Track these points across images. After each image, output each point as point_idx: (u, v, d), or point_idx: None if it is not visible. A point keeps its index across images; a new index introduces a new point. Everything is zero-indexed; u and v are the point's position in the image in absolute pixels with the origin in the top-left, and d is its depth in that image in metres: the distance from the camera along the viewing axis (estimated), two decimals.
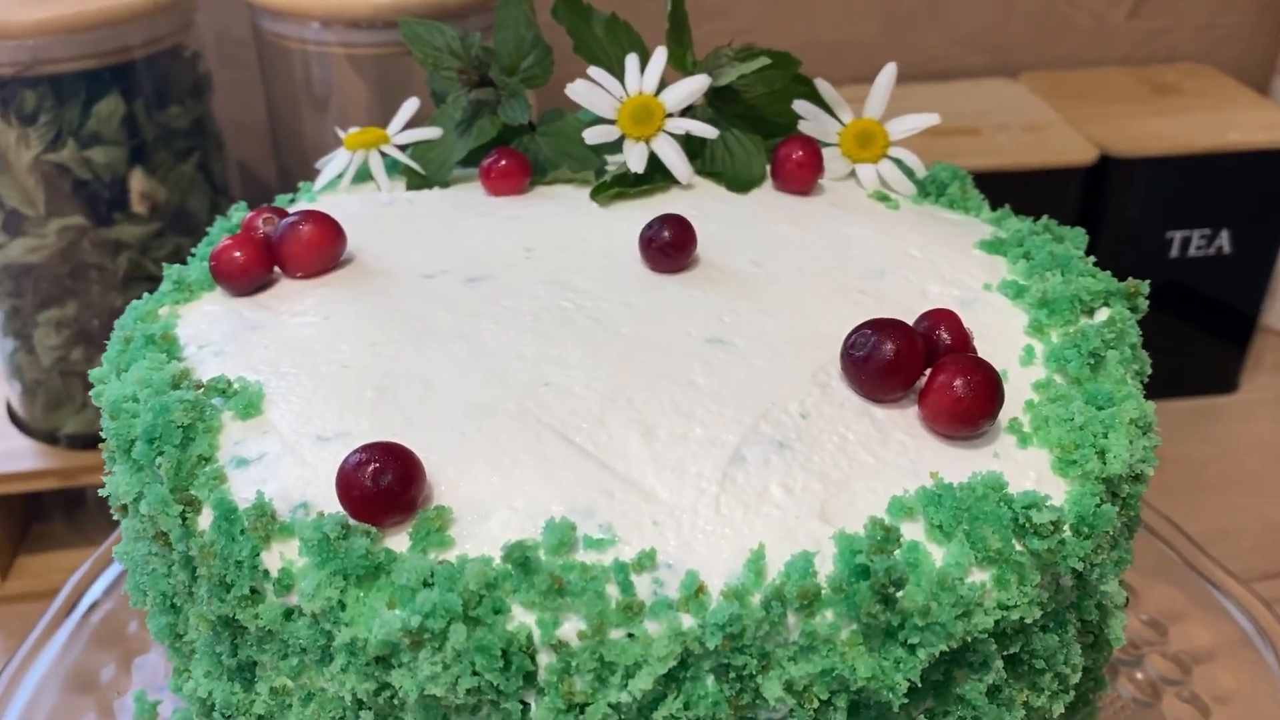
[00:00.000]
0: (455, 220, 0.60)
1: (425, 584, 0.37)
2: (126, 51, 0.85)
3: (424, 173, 0.64)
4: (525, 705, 0.38)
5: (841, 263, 0.55)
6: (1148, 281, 0.54)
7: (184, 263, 0.58)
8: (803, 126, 0.63)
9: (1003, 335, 0.51)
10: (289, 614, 0.40)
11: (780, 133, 0.63)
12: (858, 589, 0.37)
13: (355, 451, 0.40)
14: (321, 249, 0.54)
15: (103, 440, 0.46)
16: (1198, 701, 0.61)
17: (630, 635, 0.37)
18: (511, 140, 0.65)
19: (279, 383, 0.47)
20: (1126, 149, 1.04)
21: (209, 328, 0.52)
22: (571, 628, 0.37)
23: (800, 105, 0.63)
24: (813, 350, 0.48)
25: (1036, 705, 0.44)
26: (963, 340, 0.47)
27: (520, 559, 0.37)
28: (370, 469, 0.39)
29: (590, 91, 0.61)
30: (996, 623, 0.39)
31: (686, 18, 0.63)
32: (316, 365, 0.48)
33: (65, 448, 0.94)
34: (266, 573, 0.40)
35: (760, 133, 0.63)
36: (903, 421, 0.45)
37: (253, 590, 0.40)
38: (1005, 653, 0.42)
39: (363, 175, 0.66)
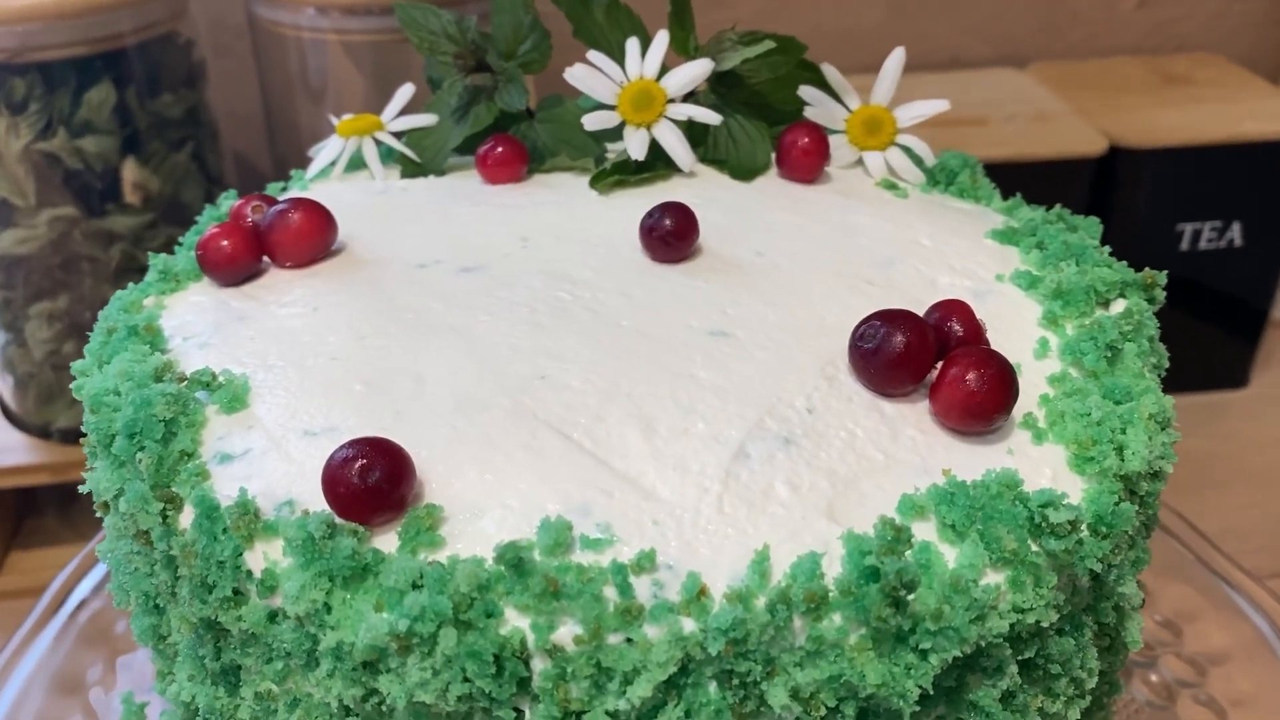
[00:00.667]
0: (450, 209, 0.58)
1: (414, 586, 0.36)
2: (118, 38, 0.83)
3: (419, 160, 0.63)
4: (519, 713, 0.36)
5: (848, 252, 0.53)
6: (1165, 272, 0.52)
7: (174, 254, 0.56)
8: (808, 113, 0.62)
9: (1016, 327, 0.49)
10: (273, 616, 0.38)
11: (785, 120, 0.61)
12: (867, 592, 0.36)
13: (342, 447, 0.38)
14: (311, 238, 0.53)
15: (84, 435, 0.45)
16: (1214, 704, 0.59)
17: (629, 640, 0.35)
18: (509, 127, 0.63)
19: (266, 376, 0.45)
20: (1136, 140, 1.02)
21: (195, 319, 0.50)
22: (567, 632, 0.35)
23: (806, 91, 0.62)
24: (819, 342, 0.47)
25: (1051, 711, 0.42)
26: (975, 332, 0.45)
27: (514, 560, 0.35)
28: (358, 465, 0.37)
29: (590, 76, 0.59)
30: (1011, 626, 0.38)
31: (688, 1, 0.61)
32: (304, 358, 0.46)
33: (58, 442, 0.93)
34: (249, 573, 0.38)
35: (765, 120, 0.61)
36: (913, 416, 0.43)
37: (235, 592, 0.39)
38: (1020, 657, 0.40)
39: (356, 163, 0.64)
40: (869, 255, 0.53)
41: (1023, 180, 1.00)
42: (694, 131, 0.61)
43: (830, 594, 0.36)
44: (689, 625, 0.35)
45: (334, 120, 0.64)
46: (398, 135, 0.63)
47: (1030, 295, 0.51)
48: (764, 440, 0.41)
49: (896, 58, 0.62)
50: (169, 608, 0.43)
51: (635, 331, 0.47)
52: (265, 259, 0.54)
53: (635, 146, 0.58)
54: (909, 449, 0.42)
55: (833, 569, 0.37)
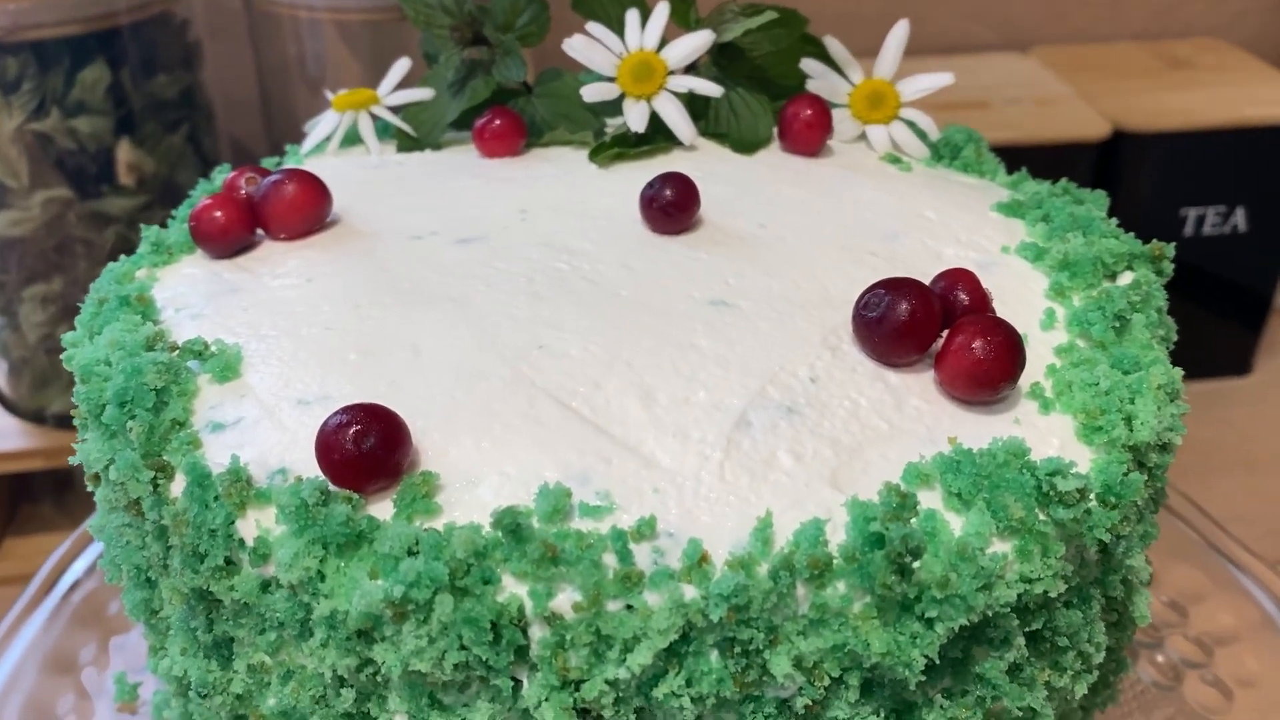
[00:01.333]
0: (447, 182, 0.57)
1: (409, 552, 0.35)
2: (112, 17, 0.82)
3: (415, 135, 0.62)
4: (517, 682, 0.36)
5: (852, 225, 0.52)
6: (1173, 244, 0.51)
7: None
8: (811, 86, 0.61)
9: (1022, 298, 0.48)
10: (265, 585, 0.37)
11: (787, 93, 0.60)
12: (872, 559, 0.35)
13: (336, 413, 0.38)
14: (305, 209, 0.52)
15: (75, 406, 0.44)
16: (1221, 685, 0.59)
17: (628, 607, 0.35)
18: (506, 102, 0.62)
19: (259, 345, 0.45)
20: (1140, 124, 1.01)
21: (187, 290, 0.49)
22: (566, 599, 0.35)
23: (808, 64, 0.61)
24: (822, 313, 0.46)
25: (1058, 686, 0.42)
26: (981, 301, 0.44)
27: (511, 526, 0.34)
28: (352, 431, 0.37)
29: (589, 47, 0.59)
30: (1019, 596, 0.37)
31: None
32: (298, 328, 0.45)
33: (52, 427, 0.92)
34: (242, 542, 0.37)
35: (766, 93, 0.60)
36: (918, 386, 0.43)
37: (227, 561, 0.38)
38: (1027, 629, 0.39)
39: (352, 139, 0.64)
40: (873, 228, 0.52)
41: (1025, 164, 0.99)
42: (695, 105, 0.60)
43: (834, 561, 0.35)
44: (690, 592, 0.34)
45: (327, 94, 0.63)
46: (394, 110, 0.63)
47: (1037, 267, 0.50)
48: (766, 409, 0.41)
49: (900, 30, 0.61)
50: (160, 580, 0.43)
51: (635, 302, 0.46)
52: (259, 231, 0.53)
53: (635, 119, 0.58)
54: (914, 418, 0.41)
55: (836, 536, 0.36)
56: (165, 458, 0.40)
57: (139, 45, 0.85)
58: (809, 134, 0.58)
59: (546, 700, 0.35)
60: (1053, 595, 0.38)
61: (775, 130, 0.60)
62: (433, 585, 0.34)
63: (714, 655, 0.35)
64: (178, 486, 0.39)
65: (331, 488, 0.37)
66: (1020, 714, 0.40)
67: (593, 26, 0.60)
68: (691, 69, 0.60)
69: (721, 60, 0.61)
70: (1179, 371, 0.44)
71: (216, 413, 0.42)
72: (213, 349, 0.44)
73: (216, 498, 0.37)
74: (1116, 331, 0.46)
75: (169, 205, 0.89)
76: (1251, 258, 1.09)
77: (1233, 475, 1.02)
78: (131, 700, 0.56)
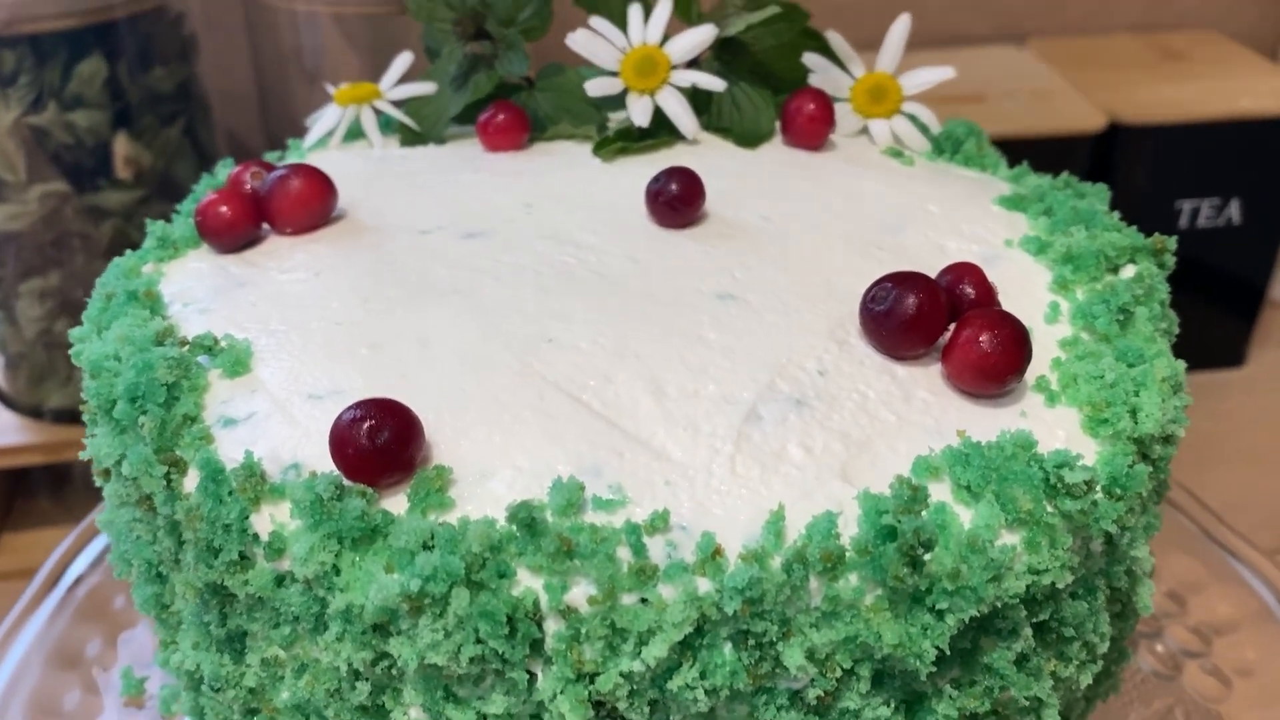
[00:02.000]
0: (451, 176, 0.57)
1: (425, 546, 0.35)
2: (109, 10, 0.82)
3: (418, 129, 0.62)
4: (532, 675, 0.36)
5: (856, 218, 0.53)
6: (1174, 237, 0.52)
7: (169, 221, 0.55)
8: (813, 80, 0.61)
9: (1026, 292, 0.48)
10: (280, 580, 0.37)
11: (789, 87, 0.61)
12: (884, 551, 0.35)
13: (350, 408, 0.38)
14: (311, 204, 0.52)
15: (84, 402, 0.44)
16: (1219, 674, 0.59)
17: (643, 600, 0.35)
18: (509, 97, 0.62)
19: (268, 340, 0.45)
20: (1135, 117, 1.01)
21: (194, 285, 0.49)
22: (581, 592, 0.35)
23: (810, 58, 0.61)
24: (829, 306, 0.46)
25: (1064, 676, 0.42)
26: (987, 294, 0.45)
27: (526, 520, 0.35)
28: (366, 426, 0.37)
29: (591, 42, 0.59)
30: (1027, 588, 0.37)
31: None
32: (307, 322, 0.45)
33: (50, 422, 0.91)
34: (256, 536, 0.37)
35: (769, 87, 0.60)
36: (925, 379, 0.43)
37: (241, 555, 0.38)
38: (1034, 620, 0.39)
39: (354, 133, 0.64)
40: (877, 221, 0.52)
41: (1022, 157, 0.99)
42: (697, 99, 0.60)
43: (847, 553, 0.35)
44: (704, 585, 0.35)
45: (328, 88, 0.63)
46: (396, 104, 0.63)
47: (1040, 260, 0.51)
48: (776, 402, 0.41)
49: (901, 24, 0.61)
50: (172, 575, 0.43)
51: (642, 294, 0.46)
52: (265, 226, 0.53)
53: (639, 113, 0.58)
54: (921, 411, 0.41)
55: (848, 529, 0.36)
56: (178, 453, 0.40)
57: (135, 38, 0.85)
58: (812, 128, 0.58)
59: (562, 693, 0.35)
60: (1060, 586, 0.38)
61: (778, 124, 0.61)
62: (449, 579, 0.34)
63: (728, 648, 0.36)
64: (191, 482, 0.39)
65: (346, 482, 0.37)
66: (1027, 704, 0.41)
67: (595, 21, 0.60)
68: (694, 64, 0.60)
69: (724, 55, 0.61)
70: (1182, 364, 0.44)
71: (228, 408, 0.42)
72: (223, 344, 0.44)
73: (231, 493, 0.38)
74: (1120, 324, 0.46)
75: (166, 199, 0.89)
76: (1246, 250, 1.10)
77: (1228, 466, 1.03)
78: (138, 695, 0.56)
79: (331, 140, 0.62)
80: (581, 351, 0.43)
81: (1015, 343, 0.42)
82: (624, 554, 0.35)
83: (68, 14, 0.81)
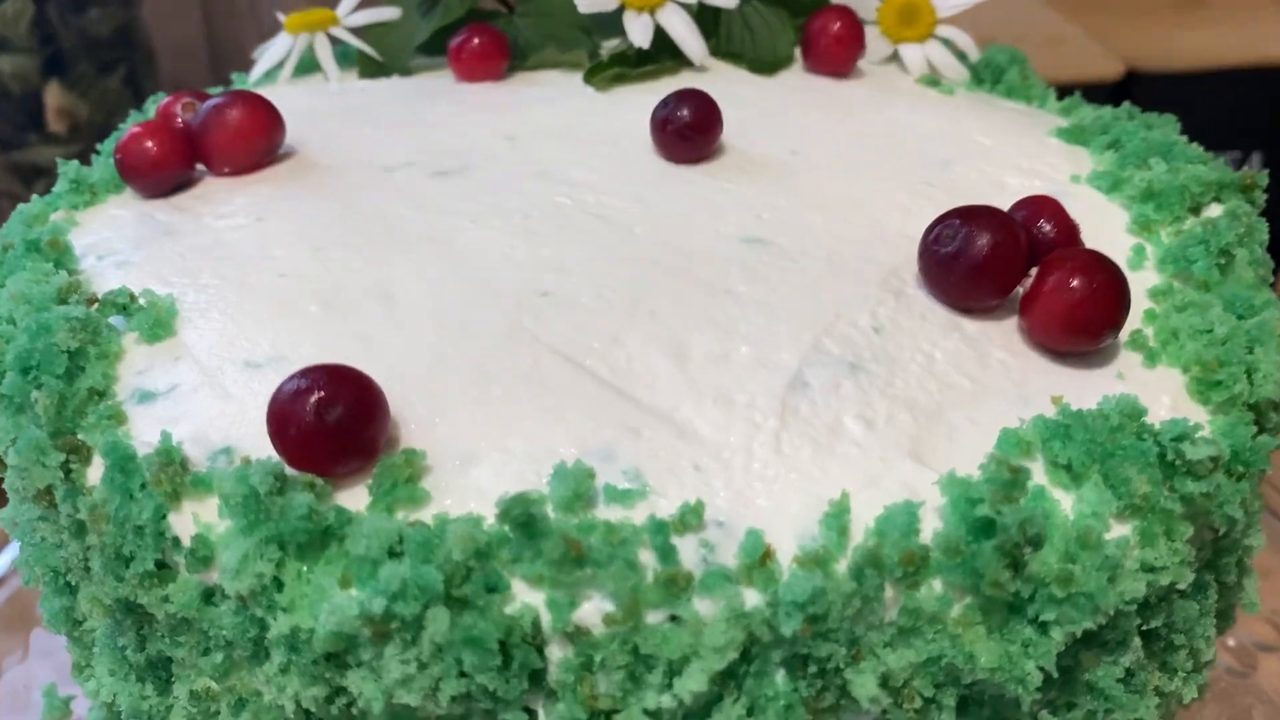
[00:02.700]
0: (419, 110, 0.49)
1: (391, 554, 0.27)
2: None
3: (380, 59, 0.54)
4: (531, 714, 0.28)
5: (896, 152, 0.45)
6: (1265, 172, 0.44)
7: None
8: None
9: (1101, 234, 0.41)
10: (208, 596, 0.30)
11: (808, 9, 0.53)
12: (979, 551, 0.28)
13: (293, 377, 0.30)
14: (252, 138, 0.44)
15: None
16: None
17: (674, 619, 0.27)
18: (484, 22, 0.54)
19: (197, 297, 0.37)
20: (1153, 64, 0.95)
21: (113, 235, 0.41)
22: (594, 609, 0.27)
23: None
24: (878, 250, 0.38)
25: (1168, 691, 0.35)
26: (1070, 233, 0.37)
27: (522, 518, 0.27)
28: (314, 399, 0.29)
29: None
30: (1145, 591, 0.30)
31: None
32: (245, 276, 0.38)
33: None
34: (176, 541, 0.30)
35: (786, 7, 0.52)
36: (1000, 336, 0.36)
37: (159, 565, 0.30)
38: (1144, 627, 0.32)
39: (307, 66, 0.55)
40: (921, 155, 0.45)
41: None
42: (704, 20, 0.52)
43: (931, 555, 0.28)
44: (752, 598, 0.27)
45: (279, 16, 0.55)
46: (355, 32, 0.54)
47: (1113, 199, 0.43)
48: (825, 365, 0.33)
49: None
50: (81, 586, 0.35)
51: (654, 240, 0.39)
52: (199, 166, 0.45)
53: (638, 32, 0.50)
54: (999, 374, 0.34)
55: (928, 522, 0.29)
56: (79, 436, 0.32)
57: None
58: (838, 51, 0.50)
59: None
60: (1181, 586, 0.31)
61: (797, 48, 0.53)
62: (423, 596, 0.26)
63: (780, 676, 0.28)
64: (95, 472, 0.31)
65: (289, 471, 0.29)
66: None
67: None
68: None
69: None
70: None
71: (145, 379, 0.34)
72: (141, 301, 0.36)
73: (144, 486, 0.30)
74: (1221, 270, 0.39)
75: None
76: (1267, 205, 1.03)
77: None
78: (63, 717, 0.48)
79: (281, 73, 0.54)
80: (583, 309, 0.35)
81: (1113, 289, 0.34)
82: (647, 559, 0.28)
83: None
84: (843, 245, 0.39)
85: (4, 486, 0.37)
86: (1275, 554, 0.57)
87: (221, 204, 0.42)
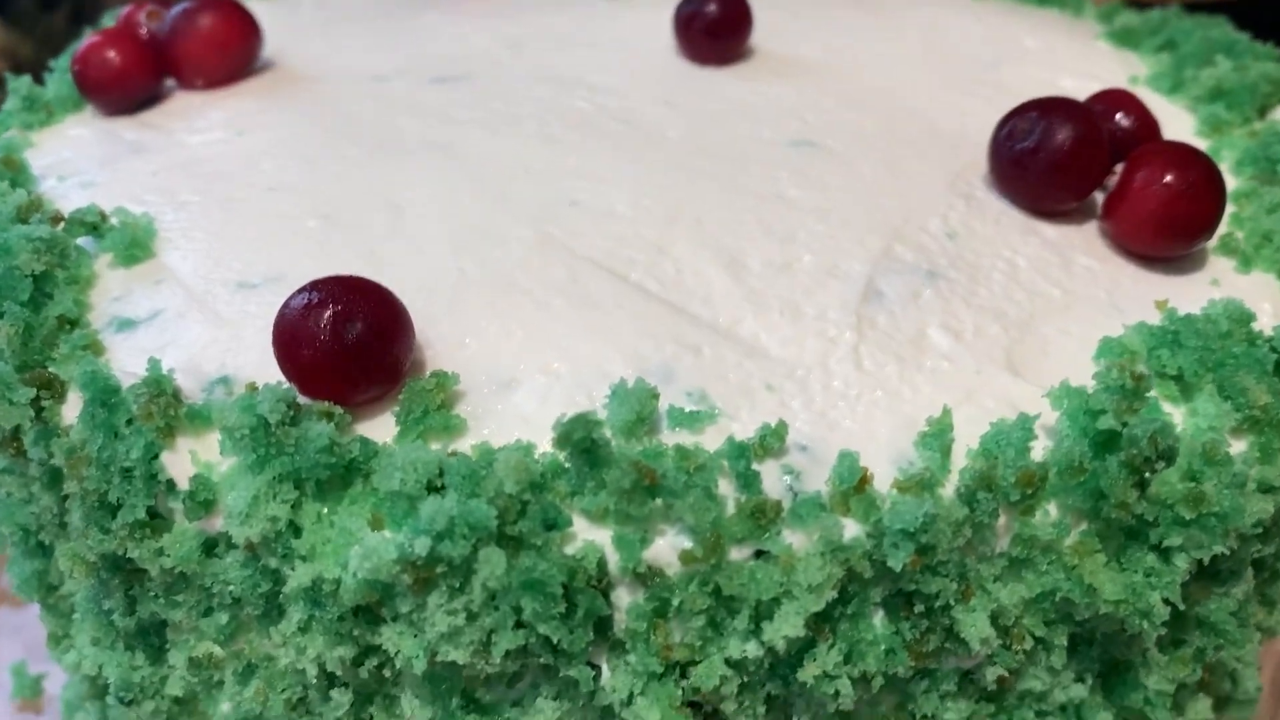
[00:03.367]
0: (408, 17, 0.45)
1: (431, 488, 0.23)
2: None
3: None
4: (595, 670, 0.24)
5: (939, 54, 0.41)
6: None
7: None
8: None
9: (1169, 138, 0.38)
10: (210, 547, 0.26)
11: None
12: (1104, 468, 0.24)
13: (301, 292, 0.26)
14: (228, 46, 0.39)
15: None
16: None
17: (759, 555, 0.23)
18: None
19: (177, 216, 0.33)
20: None
21: (74, 154, 0.37)
22: (668, 546, 0.23)
23: None
24: (939, 151, 0.35)
25: (1267, 625, 0.32)
26: (1150, 127, 0.34)
27: (584, 442, 0.23)
28: (328, 315, 0.25)
29: None
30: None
31: None
32: (231, 192, 0.33)
33: None
34: (171, 484, 0.26)
35: None
36: (1081, 241, 0.32)
37: (151, 513, 0.26)
38: (1256, 554, 0.29)
39: None
40: (967, 56, 0.41)
41: None
42: None
43: (1050, 474, 0.24)
44: (851, 529, 0.23)
45: None
46: None
47: (1176, 100, 0.40)
48: (900, 274, 0.30)
49: None
50: (56, 546, 0.30)
51: (689, 145, 0.35)
52: (168, 80, 0.40)
53: None
54: (1087, 282, 0.31)
55: (1036, 442, 0.25)
56: (51, 370, 0.27)
57: None
58: None
59: (641, 694, 0.24)
60: None
61: None
62: (472, 534, 0.22)
63: (879, 618, 0.25)
64: (72, 409, 0.27)
65: (300, 399, 0.25)
66: (1234, 666, 0.30)
67: None
68: None
69: None
70: None
71: (123, 306, 0.30)
72: (113, 221, 0.31)
73: (130, 421, 0.25)
74: None
75: None
76: None
77: None
78: (34, 697, 0.44)
79: None
80: (619, 218, 0.31)
81: (1210, 185, 0.31)
82: (725, 489, 0.24)
83: None
84: (898, 148, 0.35)
85: None
86: None
87: (196, 119, 0.38)
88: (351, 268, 0.30)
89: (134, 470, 0.25)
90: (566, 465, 0.24)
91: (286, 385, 0.25)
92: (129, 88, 0.39)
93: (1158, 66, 0.42)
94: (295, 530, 0.24)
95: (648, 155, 0.34)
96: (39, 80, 0.41)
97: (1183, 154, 0.31)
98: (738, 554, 0.24)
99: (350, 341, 0.25)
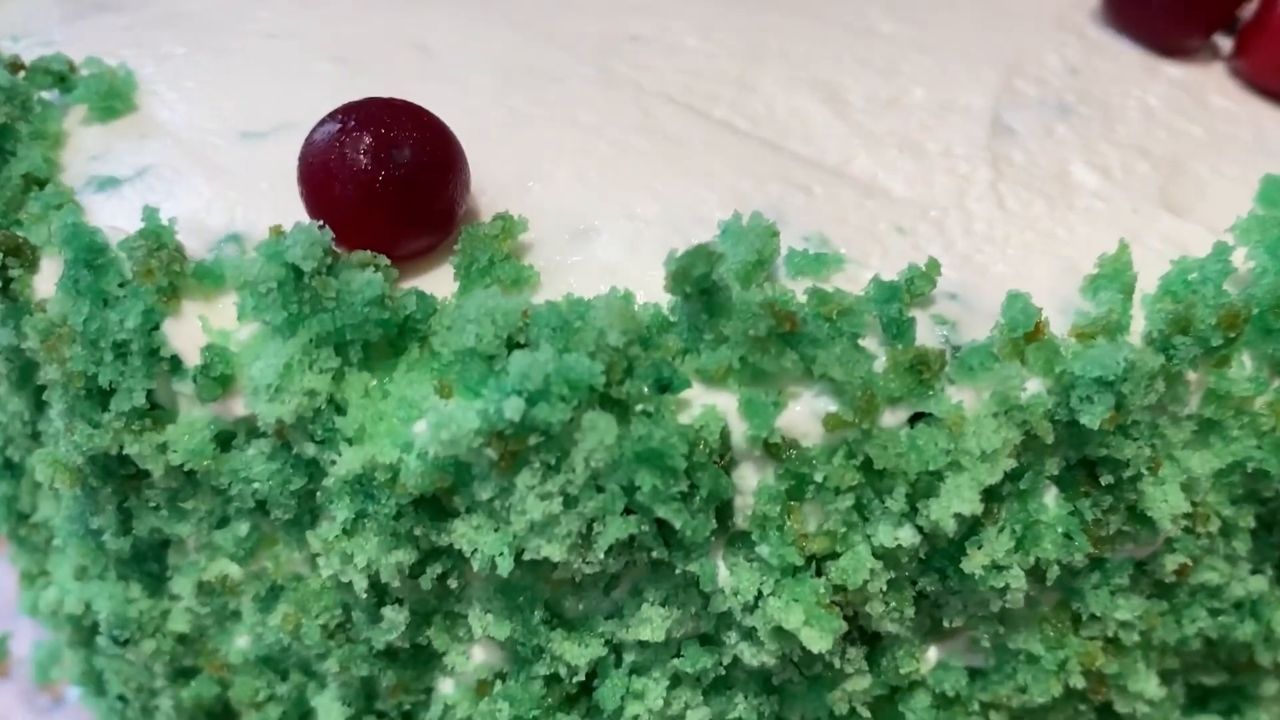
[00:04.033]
0: None
1: (512, 343, 0.19)
2: None
3: None
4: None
5: None
6: None
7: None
8: None
9: None
10: (226, 439, 0.21)
11: None
12: None
13: (333, 116, 0.21)
14: None
15: None
16: None
17: (918, 419, 0.19)
18: None
19: (160, 68, 0.28)
20: None
21: (29, 13, 0.32)
22: (807, 412, 0.19)
23: None
24: None
25: None
26: None
27: (704, 282, 0.18)
28: (368, 140, 0.20)
29: None
30: None
31: None
32: (223, 41, 0.29)
33: None
34: (177, 361, 0.20)
35: None
36: (1211, 81, 0.29)
37: (152, 400, 0.21)
38: None
39: None
40: None
41: None
42: None
43: (1252, 314, 0.20)
44: (1032, 385, 0.19)
45: None
46: None
47: None
48: (1027, 108, 0.26)
49: None
50: (30, 460, 0.25)
51: None
52: None
53: None
54: (1228, 121, 0.28)
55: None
56: (19, 234, 0.22)
57: None
58: None
59: (773, 593, 0.19)
60: None
61: None
62: (574, 395, 0.18)
63: (1052, 497, 0.20)
64: (47, 280, 0.22)
65: (336, 247, 0.20)
66: None
67: None
68: None
69: None
70: None
71: (103, 164, 0.25)
72: (83, 71, 0.26)
73: (123, 284, 0.20)
74: None
75: None
76: None
77: None
78: None
79: None
80: (691, 51, 0.27)
81: None
82: (871, 343, 0.19)
83: None
84: None
85: None
86: None
87: None
88: None
89: (129, 344, 0.20)
90: (673, 319, 0.19)
91: (317, 229, 0.20)
92: None
93: None
94: (338, 407, 0.20)
95: None
96: None
97: None
98: (890, 419, 0.19)
99: (396, 172, 0.20)
